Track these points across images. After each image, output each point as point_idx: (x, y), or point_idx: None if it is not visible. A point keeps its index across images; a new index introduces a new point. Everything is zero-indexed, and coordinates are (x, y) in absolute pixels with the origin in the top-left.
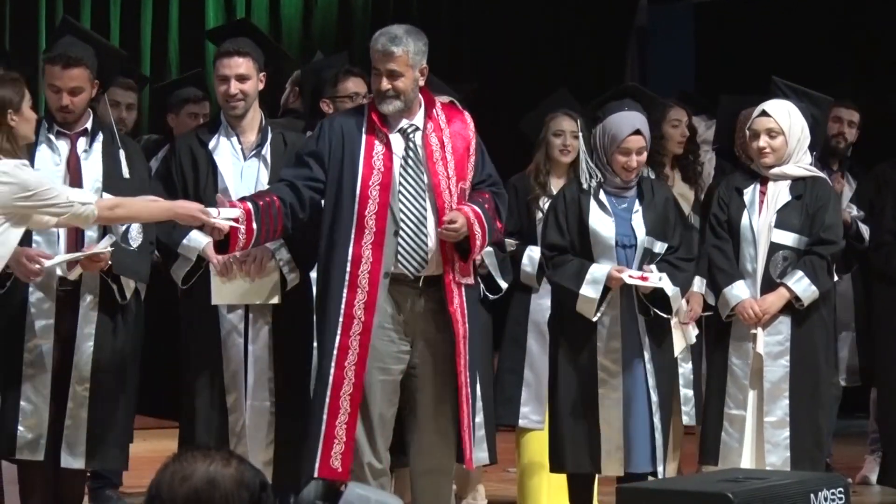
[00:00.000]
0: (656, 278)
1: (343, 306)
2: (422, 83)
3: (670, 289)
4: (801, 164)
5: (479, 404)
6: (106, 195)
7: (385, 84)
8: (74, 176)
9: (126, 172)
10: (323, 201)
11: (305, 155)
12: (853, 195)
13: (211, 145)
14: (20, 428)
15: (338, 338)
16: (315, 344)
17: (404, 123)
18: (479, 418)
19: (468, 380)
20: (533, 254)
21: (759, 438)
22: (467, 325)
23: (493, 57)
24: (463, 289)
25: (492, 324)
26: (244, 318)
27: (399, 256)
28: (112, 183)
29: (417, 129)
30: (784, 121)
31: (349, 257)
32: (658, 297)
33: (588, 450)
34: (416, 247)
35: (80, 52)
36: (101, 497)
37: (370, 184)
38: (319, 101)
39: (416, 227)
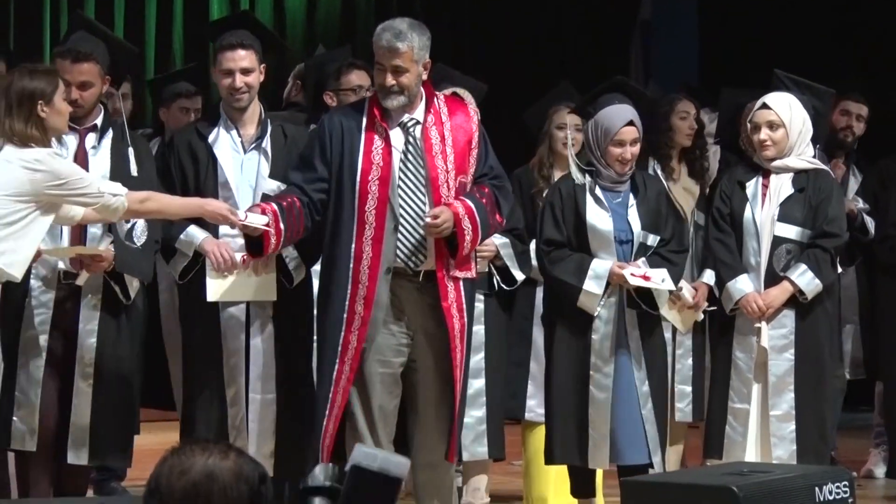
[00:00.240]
0: (659, 279)
1: (347, 302)
2: (425, 77)
3: (670, 287)
4: (804, 156)
5: (483, 399)
6: (134, 192)
7: (390, 80)
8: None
9: (135, 170)
10: None
11: (309, 156)
12: (858, 188)
13: (210, 138)
14: (14, 418)
15: (342, 334)
16: (316, 338)
17: (405, 118)
18: (481, 413)
19: (462, 375)
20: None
21: (764, 432)
22: (465, 319)
23: (496, 50)
24: (461, 283)
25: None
26: (245, 311)
27: (398, 251)
28: (119, 180)
29: (418, 122)
30: (785, 113)
31: (351, 253)
32: (645, 293)
33: (577, 442)
34: (416, 241)
35: (91, 46)
36: (106, 489)
37: (369, 179)
38: (323, 94)
39: (416, 222)
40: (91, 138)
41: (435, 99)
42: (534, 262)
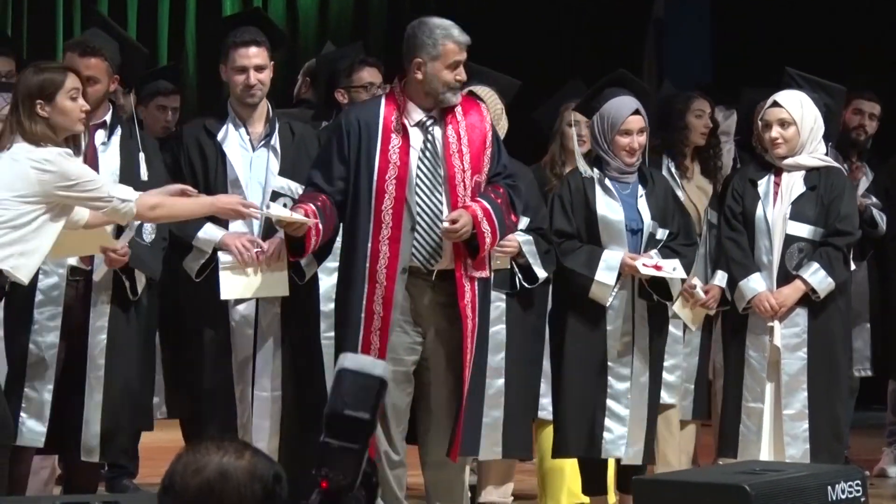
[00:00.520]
0: (670, 268)
1: (364, 302)
2: None
3: (681, 276)
4: (816, 154)
5: (502, 399)
6: (147, 196)
7: (462, 75)
8: (91, 167)
9: (144, 172)
10: None
11: (328, 155)
12: (870, 185)
13: (219, 136)
14: (22, 415)
15: (361, 334)
16: (333, 335)
17: (424, 116)
18: (499, 413)
19: (471, 374)
20: None
21: (778, 431)
22: (477, 319)
23: (508, 49)
24: (476, 283)
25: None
26: (255, 309)
27: (415, 251)
28: (129, 179)
29: (436, 121)
30: (796, 111)
31: (368, 253)
32: (659, 284)
33: (591, 434)
34: (432, 241)
35: (101, 43)
36: (117, 486)
37: (386, 178)
38: (334, 91)
39: (433, 222)
40: (100, 135)
41: None
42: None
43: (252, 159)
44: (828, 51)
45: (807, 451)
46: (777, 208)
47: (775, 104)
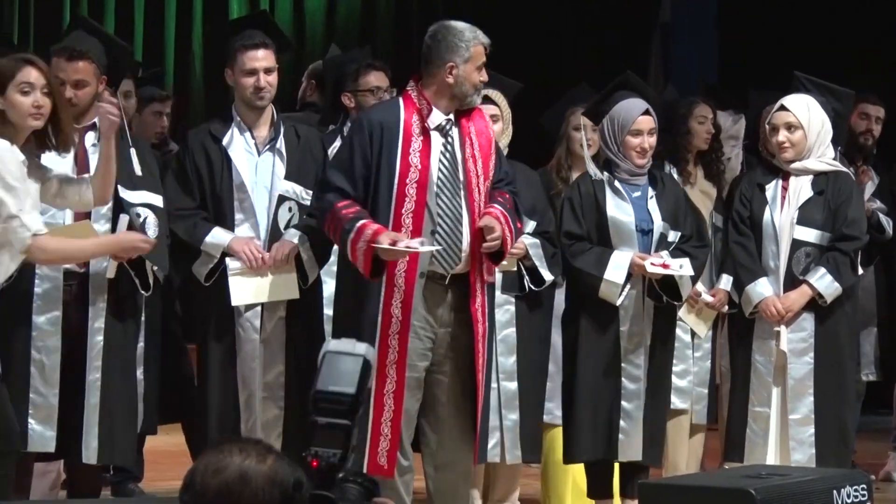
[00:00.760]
0: (677, 266)
1: (381, 305)
2: None
3: (689, 273)
4: (823, 158)
5: (516, 402)
6: (50, 237)
7: (486, 76)
8: (82, 169)
9: (138, 169)
10: None
11: (349, 155)
12: (875, 189)
13: (225, 141)
14: (31, 421)
15: (378, 337)
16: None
17: (443, 119)
18: (516, 416)
19: (485, 378)
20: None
21: (784, 436)
22: (486, 323)
23: (515, 53)
24: (486, 287)
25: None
26: (260, 314)
27: (434, 256)
28: (123, 176)
29: (453, 124)
30: (803, 115)
31: None
32: (669, 284)
33: (606, 436)
34: (452, 246)
35: (87, 45)
36: (123, 491)
37: (407, 181)
38: (341, 95)
39: (453, 226)
40: (90, 136)
41: None
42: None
43: (257, 164)
44: (834, 53)
45: (813, 455)
46: (784, 213)
47: (782, 108)
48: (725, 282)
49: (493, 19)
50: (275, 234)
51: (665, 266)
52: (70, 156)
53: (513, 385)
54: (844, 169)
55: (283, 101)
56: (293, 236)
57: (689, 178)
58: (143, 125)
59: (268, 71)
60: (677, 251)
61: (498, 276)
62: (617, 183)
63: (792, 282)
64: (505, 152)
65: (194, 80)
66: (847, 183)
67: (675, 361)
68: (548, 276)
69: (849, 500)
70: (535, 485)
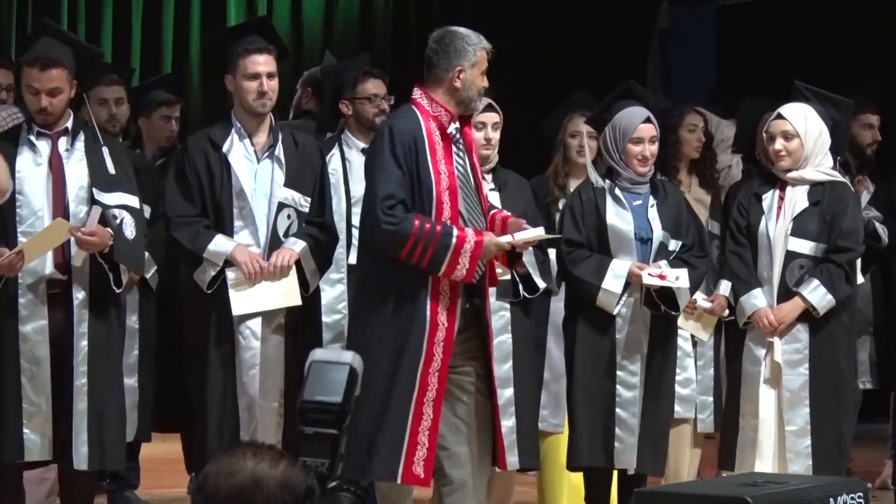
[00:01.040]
0: (674, 277)
1: (428, 313)
2: None
3: (685, 286)
4: (821, 168)
5: (512, 409)
6: None
7: (486, 81)
8: (57, 175)
9: (111, 167)
10: None
11: (396, 167)
12: (871, 197)
13: (225, 148)
14: (26, 431)
15: (424, 345)
16: (392, 349)
17: (452, 128)
18: (511, 422)
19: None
20: (552, 257)
21: (781, 447)
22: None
23: (514, 61)
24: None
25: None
26: (260, 321)
27: None
28: (98, 178)
29: (459, 131)
30: (800, 123)
31: None
32: (666, 294)
33: (604, 443)
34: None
35: (58, 53)
36: (120, 499)
37: (440, 189)
38: (339, 103)
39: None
40: (63, 142)
41: None
42: (552, 271)
43: (257, 171)
44: (835, 61)
45: (809, 466)
46: (779, 224)
47: (779, 116)
48: (725, 287)
49: (492, 27)
50: (274, 241)
51: (662, 277)
52: (45, 162)
53: (508, 391)
54: (842, 178)
55: (278, 108)
56: (294, 244)
57: (680, 186)
58: (153, 129)
59: (270, 76)
60: (677, 261)
61: None
62: (618, 191)
63: (786, 293)
64: (496, 160)
65: (192, 88)
66: (844, 193)
67: (677, 370)
68: (541, 284)
69: None
70: (532, 492)
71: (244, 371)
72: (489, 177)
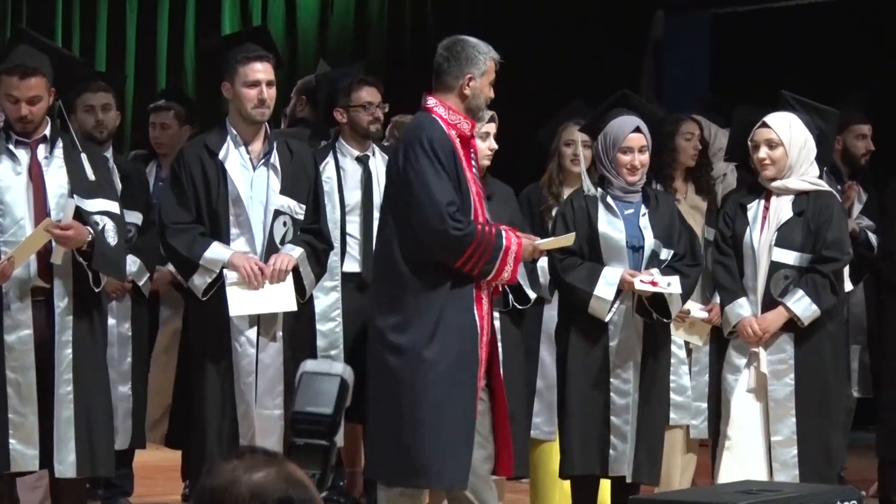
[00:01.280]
0: (665, 283)
1: (477, 318)
2: None
3: (677, 291)
4: (806, 177)
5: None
6: None
7: (493, 92)
8: (37, 182)
9: (90, 174)
10: None
11: (446, 175)
12: (863, 206)
13: (221, 155)
14: (12, 441)
15: (479, 350)
16: (432, 353)
17: (476, 131)
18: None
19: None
20: (545, 265)
21: (768, 457)
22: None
23: (509, 70)
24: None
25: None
26: (256, 327)
27: None
28: (78, 185)
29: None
30: (784, 132)
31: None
32: (658, 301)
33: (598, 451)
34: None
35: (37, 61)
36: None
37: (473, 196)
38: (333, 110)
39: None
40: (42, 150)
41: None
42: (542, 280)
43: (253, 178)
44: (827, 71)
45: (796, 476)
46: (764, 234)
47: (764, 125)
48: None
49: (486, 37)
50: (271, 248)
51: (654, 283)
52: (24, 170)
53: None
54: (827, 188)
55: (271, 116)
56: (292, 250)
57: (676, 194)
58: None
59: (269, 84)
60: (669, 269)
61: None
62: (610, 199)
63: (771, 303)
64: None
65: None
66: (829, 202)
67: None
68: (532, 294)
69: None
70: (524, 500)
71: (241, 379)
72: None
